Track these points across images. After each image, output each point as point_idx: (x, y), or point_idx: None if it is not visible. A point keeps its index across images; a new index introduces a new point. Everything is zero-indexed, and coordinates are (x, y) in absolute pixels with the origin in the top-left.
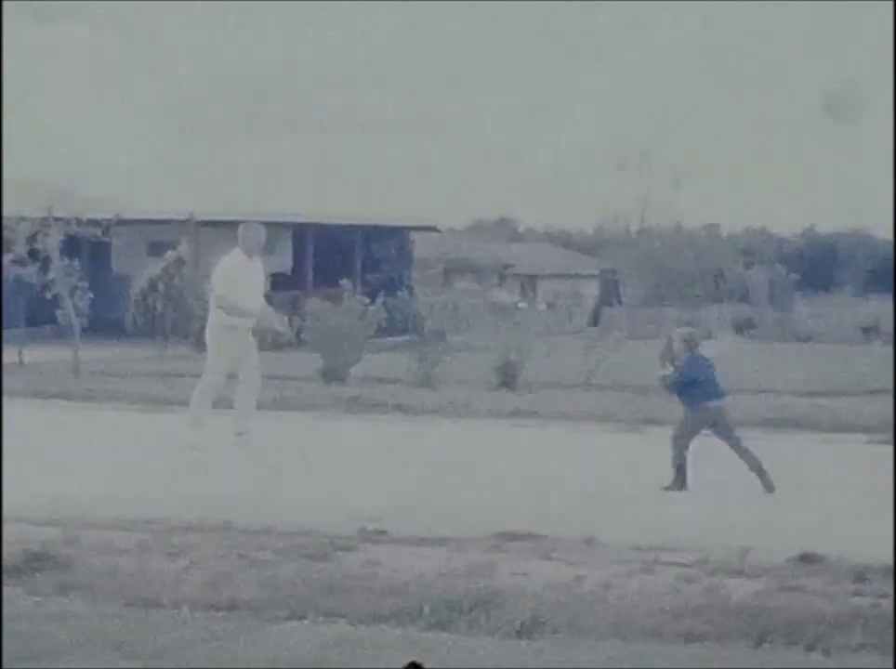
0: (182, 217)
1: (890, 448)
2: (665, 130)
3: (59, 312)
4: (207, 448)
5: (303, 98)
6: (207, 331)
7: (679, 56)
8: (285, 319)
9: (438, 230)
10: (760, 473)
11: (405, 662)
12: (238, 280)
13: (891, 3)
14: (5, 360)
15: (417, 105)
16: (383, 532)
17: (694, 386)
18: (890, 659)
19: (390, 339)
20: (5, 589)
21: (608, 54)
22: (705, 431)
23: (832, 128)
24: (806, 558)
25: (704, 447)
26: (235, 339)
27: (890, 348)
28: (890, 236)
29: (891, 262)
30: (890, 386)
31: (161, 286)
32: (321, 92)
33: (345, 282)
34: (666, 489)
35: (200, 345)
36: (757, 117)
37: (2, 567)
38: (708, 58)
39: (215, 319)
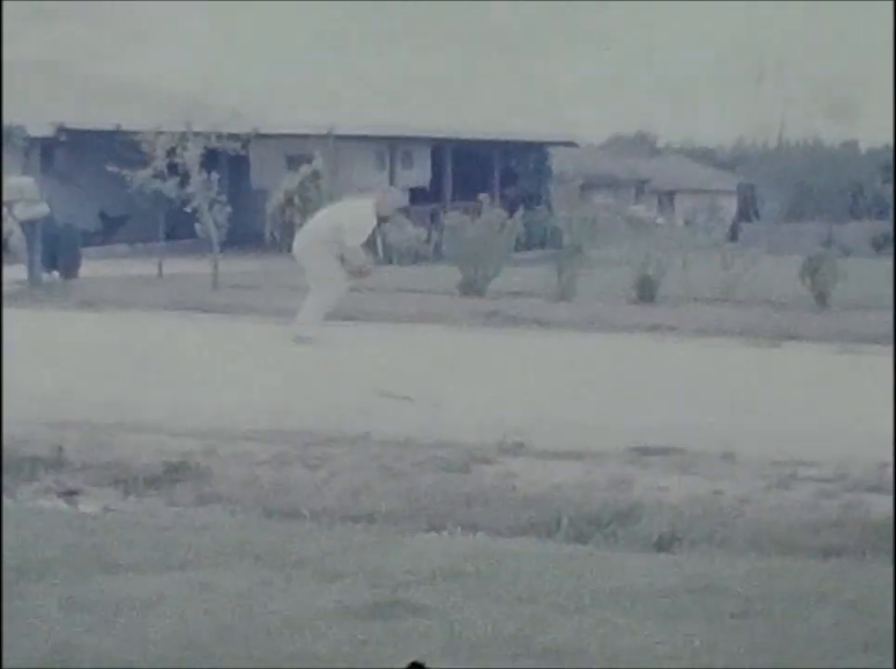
0: (321, 132)
1: None
2: (805, 44)
3: (197, 226)
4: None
5: (444, 11)
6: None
7: None
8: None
9: (576, 145)
10: None
11: (542, 574)
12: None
13: (891, 3)
14: (145, 272)
15: (556, 20)
16: (521, 445)
17: None
18: None
19: (529, 253)
20: (146, 500)
21: None
22: None
23: None
24: None
25: (837, 364)
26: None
27: None
28: None
29: None
30: None
31: (297, 200)
32: (461, 5)
33: (483, 196)
34: None
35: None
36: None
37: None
38: None
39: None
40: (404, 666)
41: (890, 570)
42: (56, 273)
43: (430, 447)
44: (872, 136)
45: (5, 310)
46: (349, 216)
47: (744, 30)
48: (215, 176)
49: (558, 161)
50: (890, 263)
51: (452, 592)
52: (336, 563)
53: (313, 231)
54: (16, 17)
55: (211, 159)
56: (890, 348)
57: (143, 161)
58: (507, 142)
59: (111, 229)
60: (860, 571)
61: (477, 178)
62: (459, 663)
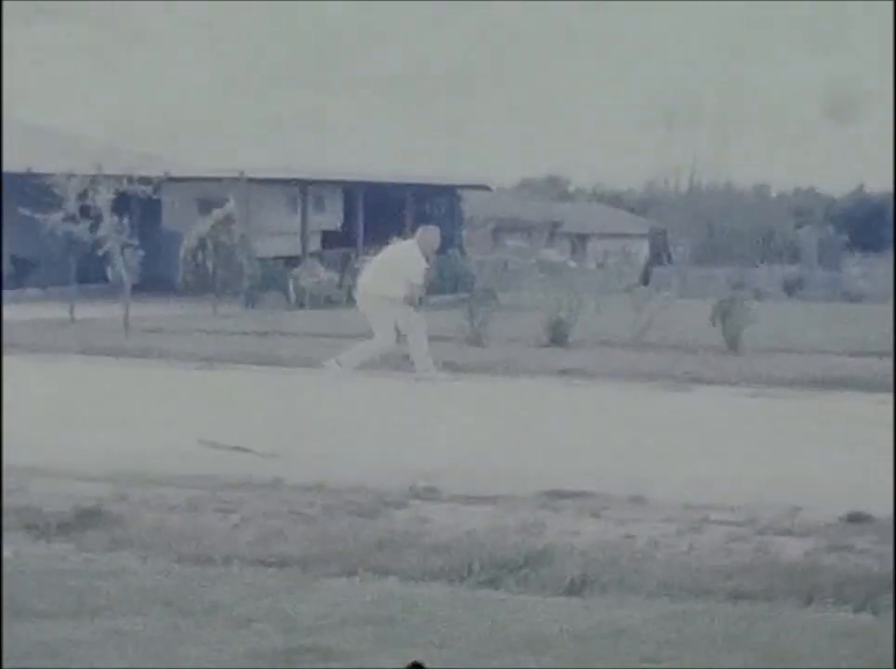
0: (233, 175)
1: None
2: (715, 88)
3: (109, 269)
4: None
5: (354, 55)
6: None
7: (731, 9)
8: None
9: (488, 189)
10: None
11: (454, 619)
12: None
13: (891, 3)
14: (57, 316)
15: (468, 63)
16: (433, 490)
17: None
18: None
19: (441, 297)
20: (57, 545)
21: (657, 7)
22: None
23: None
24: (855, 518)
25: (749, 407)
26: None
27: None
28: None
29: None
30: None
31: (210, 244)
32: (371, 49)
33: (395, 239)
34: None
35: (249, 302)
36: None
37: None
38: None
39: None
40: (405, 666)
41: (801, 613)
42: None
43: (342, 492)
44: (783, 179)
45: None
46: (400, 264)
47: (654, 73)
48: (126, 219)
49: (470, 204)
50: (802, 306)
51: (364, 637)
52: (247, 609)
53: (370, 283)
54: None
55: (123, 202)
56: (801, 393)
57: (55, 204)
58: (419, 185)
59: (22, 273)
60: (771, 615)
61: (389, 222)
62: None
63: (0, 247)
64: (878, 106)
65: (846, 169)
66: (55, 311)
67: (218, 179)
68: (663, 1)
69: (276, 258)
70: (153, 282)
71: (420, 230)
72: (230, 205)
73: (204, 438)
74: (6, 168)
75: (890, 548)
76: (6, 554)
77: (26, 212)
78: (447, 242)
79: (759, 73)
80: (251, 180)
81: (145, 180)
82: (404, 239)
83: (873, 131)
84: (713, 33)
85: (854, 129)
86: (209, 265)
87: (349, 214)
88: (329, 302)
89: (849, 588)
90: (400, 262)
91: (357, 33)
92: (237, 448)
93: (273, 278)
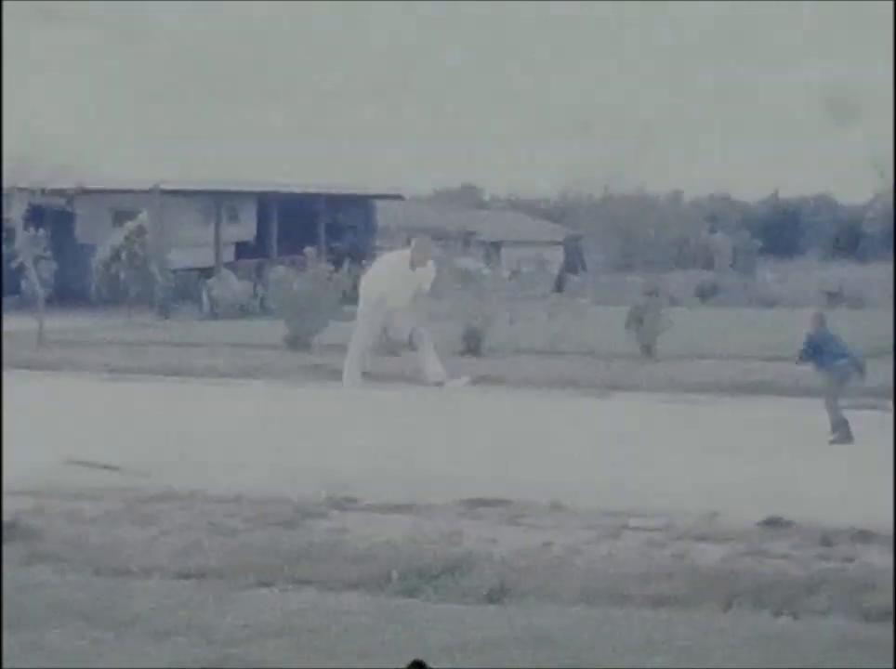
0: (146, 187)
1: (856, 412)
2: (630, 95)
3: (23, 282)
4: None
5: (267, 66)
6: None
7: (645, 20)
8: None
9: (402, 198)
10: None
11: (373, 628)
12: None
13: (891, 3)
14: None
15: (381, 72)
16: (351, 500)
17: (823, 352)
18: (858, 621)
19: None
20: None
21: (574, 16)
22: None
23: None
24: (773, 523)
25: (665, 413)
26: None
27: (856, 313)
28: (855, 201)
29: (856, 227)
30: (859, 350)
31: (124, 255)
32: (284, 60)
33: (309, 249)
34: (832, 442)
35: (163, 313)
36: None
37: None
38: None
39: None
40: (406, 666)
41: (719, 617)
42: None
43: (261, 503)
44: (696, 186)
45: None
46: (386, 279)
47: (568, 82)
48: (40, 232)
49: (384, 214)
50: (716, 312)
51: (283, 648)
52: (167, 621)
53: (363, 291)
54: None
55: (36, 215)
56: (717, 398)
57: None
58: (333, 195)
59: None
60: (690, 620)
61: (303, 232)
62: None
63: None
64: (789, 113)
65: (761, 175)
66: None
67: (132, 191)
68: (577, 13)
69: (190, 269)
70: (67, 294)
71: (413, 241)
72: (144, 217)
73: (72, 457)
74: None
75: (808, 552)
76: None
77: None
78: (361, 252)
79: (673, 82)
80: (165, 192)
81: (58, 193)
82: (317, 249)
83: (788, 138)
84: (630, 45)
85: (770, 137)
86: (123, 276)
87: (262, 225)
88: (243, 312)
89: (768, 592)
90: (392, 271)
91: (272, 45)
92: (106, 466)
93: (187, 289)
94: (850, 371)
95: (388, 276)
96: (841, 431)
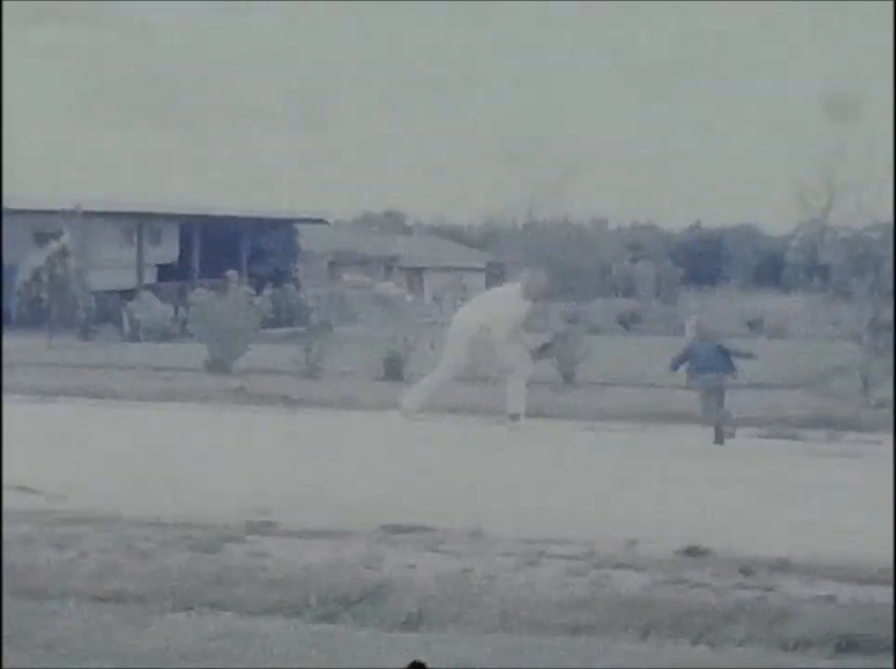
0: (69, 207)
1: (781, 442)
2: (555, 123)
3: None
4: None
5: (194, 90)
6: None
7: (570, 48)
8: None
9: (326, 223)
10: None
11: (291, 654)
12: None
13: (891, 3)
14: None
15: (304, 96)
16: (270, 524)
17: (697, 362)
18: (775, 651)
19: (277, 330)
20: None
21: (500, 43)
22: None
23: (722, 124)
24: (692, 551)
25: (584, 441)
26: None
27: (776, 343)
28: (777, 232)
29: (777, 258)
30: (778, 380)
31: (45, 276)
32: (211, 84)
33: (231, 273)
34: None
35: (84, 335)
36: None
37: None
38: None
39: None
40: (405, 666)
41: (638, 646)
42: None
43: (179, 527)
44: (620, 214)
45: None
46: (492, 311)
47: (493, 109)
48: None
49: (307, 238)
50: (638, 340)
51: None
52: (84, 644)
53: (460, 323)
54: None
55: None
56: (636, 426)
57: None
58: (255, 219)
59: None
60: (608, 648)
61: (225, 255)
62: None
63: None
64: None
65: (684, 205)
66: None
67: (54, 212)
68: (502, 40)
69: (112, 291)
70: None
71: (525, 272)
72: (66, 238)
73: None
74: None
75: (727, 581)
76: None
77: None
78: (282, 276)
79: (598, 110)
80: (87, 213)
81: None
82: (239, 272)
83: (711, 169)
84: (554, 73)
85: (692, 167)
86: (44, 297)
87: (185, 247)
88: (164, 335)
89: (687, 621)
90: (500, 303)
91: (199, 68)
92: (23, 488)
93: (109, 310)
94: (716, 384)
95: (493, 308)
96: (718, 435)
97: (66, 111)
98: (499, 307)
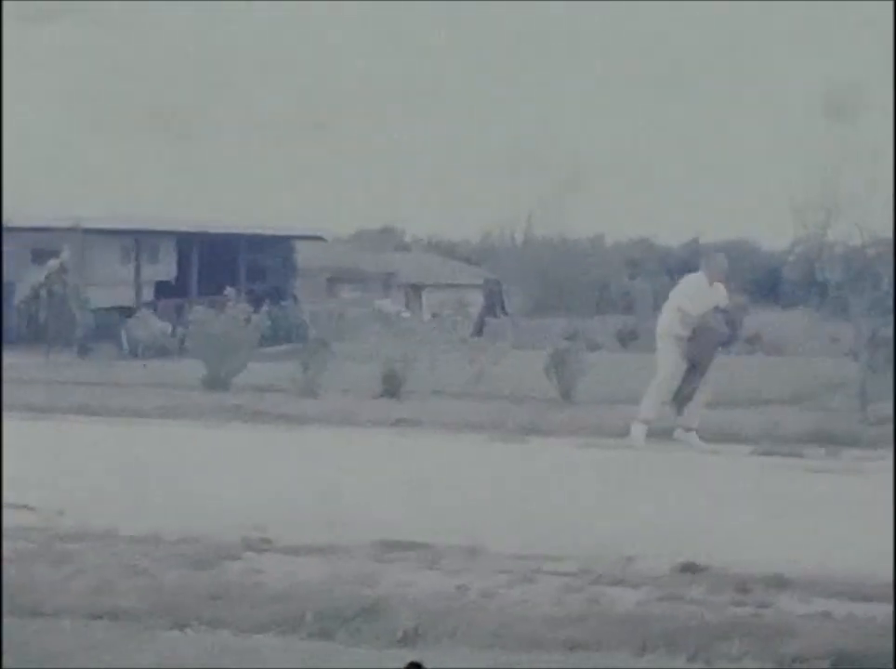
0: (67, 225)
1: (771, 459)
2: (553, 139)
3: None
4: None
5: (191, 105)
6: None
7: (565, 65)
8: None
9: (323, 239)
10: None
11: None
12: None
13: (891, 3)
14: None
15: (302, 112)
16: (267, 541)
17: None
18: (771, 667)
19: (274, 348)
20: None
21: (497, 60)
22: None
23: (720, 140)
24: (688, 568)
25: (582, 458)
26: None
27: (771, 359)
28: (775, 247)
29: (775, 273)
30: (775, 396)
31: (43, 293)
32: (208, 99)
33: (229, 290)
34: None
35: (83, 353)
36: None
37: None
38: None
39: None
40: (403, 666)
41: (634, 662)
42: None
43: (175, 543)
44: (618, 230)
45: None
46: (680, 296)
47: (491, 125)
48: None
49: (304, 254)
50: (636, 356)
51: None
52: (79, 662)
53: (662, 326)
54: None
55: None
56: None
57: None
58: (253, 236)
59: None
60: (604, 665)
61: (223, 272)
62: None
63: None
64: (713, 161)
65: (682, 220)
66: None
67: (52, 230)
68: (498, 57)
69: (110, 309)
70: None
71: (704, 259)
72: (65, 255)
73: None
74: None
75: (723, 598)
76: None
77: None
78: (281, 292)
79: (596, 127)
80: (86, 230)
81: None
82: (237, 289)
83: (708, 184)
84: (553, 89)
85: (689, 183)
86: (42, 315)
87: (183, 264)
88: (162, 352)
89: (682, 638)
90: (687, 291)
91: (195, 83)
92: (20, 505)
93: (107, 328)
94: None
95: (692, 295)
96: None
97: (63, 128)
98: (688, 293)
